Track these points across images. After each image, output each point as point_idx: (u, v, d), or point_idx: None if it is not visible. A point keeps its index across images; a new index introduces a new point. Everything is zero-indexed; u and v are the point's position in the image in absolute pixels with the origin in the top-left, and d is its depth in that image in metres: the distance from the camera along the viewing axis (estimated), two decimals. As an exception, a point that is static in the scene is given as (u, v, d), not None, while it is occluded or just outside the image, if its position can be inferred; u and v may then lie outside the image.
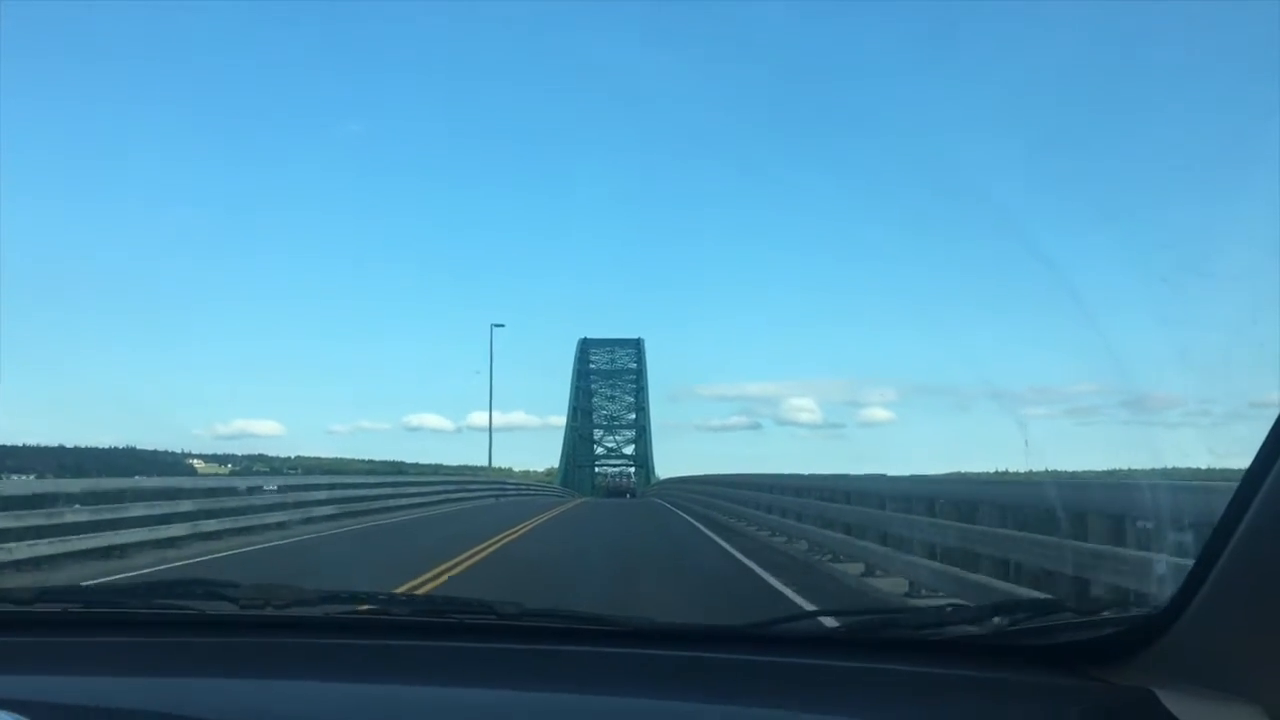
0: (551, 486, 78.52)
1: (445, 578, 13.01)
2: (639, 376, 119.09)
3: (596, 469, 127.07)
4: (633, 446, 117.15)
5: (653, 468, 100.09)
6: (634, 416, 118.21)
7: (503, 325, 47.37)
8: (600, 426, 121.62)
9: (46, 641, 1.98)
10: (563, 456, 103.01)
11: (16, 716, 1.29)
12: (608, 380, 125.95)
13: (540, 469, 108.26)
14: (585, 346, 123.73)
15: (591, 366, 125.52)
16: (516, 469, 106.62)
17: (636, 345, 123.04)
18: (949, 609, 2.03)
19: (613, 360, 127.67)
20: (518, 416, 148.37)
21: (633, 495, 75.12)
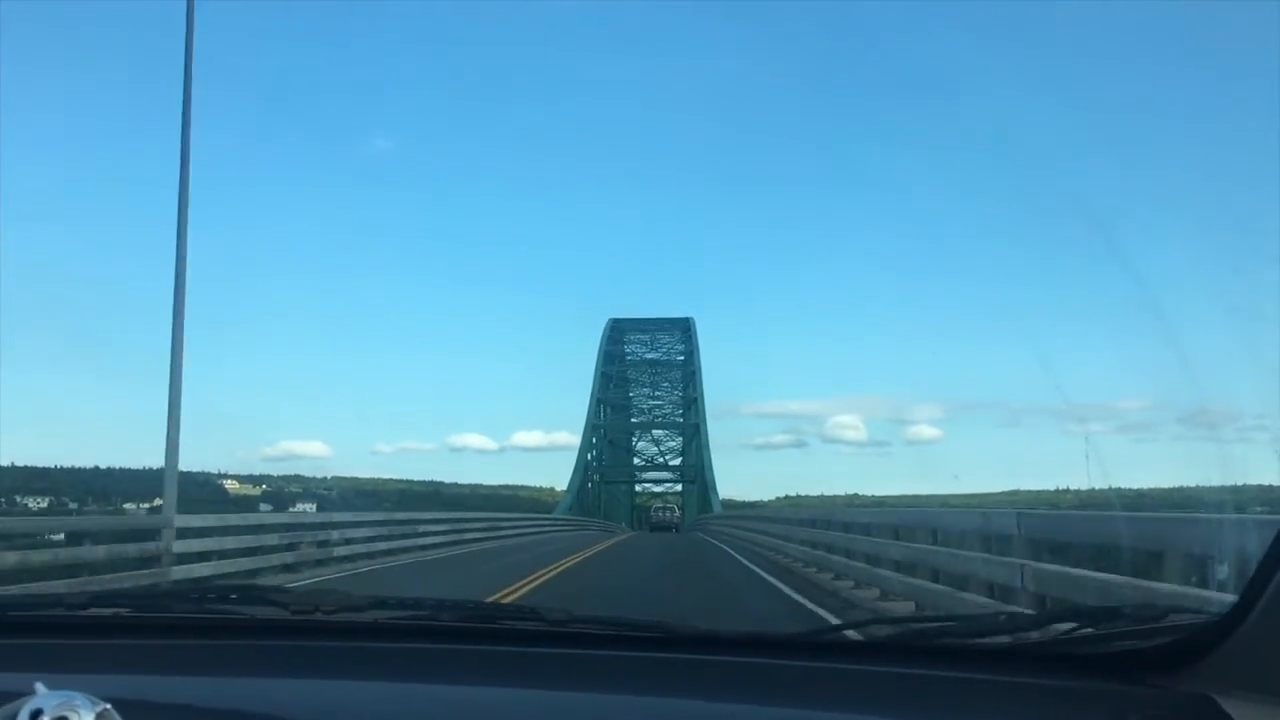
0: (543, 520, 47.21)
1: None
2: (689, 361, 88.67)
3: (637, 487, 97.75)
4: (681, 458, 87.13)
5: (712, 482, 69.02)
6: (682, 416, 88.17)
7: None
8: (638, 429, 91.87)
9: (99, 644, 1.96)
10: (577, 470, 72.40)
11: (101, 703, 1.28)
12: (648, 371, 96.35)
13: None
14: (617, 329, 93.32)
15: (627, 354, 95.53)
16: (559, 489, 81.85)
17: (685, 327, 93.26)
18: (1004, 616, 1.95)
19: (654, 346, 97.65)
20: (561, 436, 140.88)
21: (676, 530, 61.08)
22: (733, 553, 25.11)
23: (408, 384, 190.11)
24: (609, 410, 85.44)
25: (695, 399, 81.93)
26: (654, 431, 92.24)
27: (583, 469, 73.30)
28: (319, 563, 17.68)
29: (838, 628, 2.08)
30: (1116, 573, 6.22)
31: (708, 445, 74.75)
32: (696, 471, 75.31)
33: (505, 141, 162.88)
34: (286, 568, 16.24)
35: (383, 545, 21.37)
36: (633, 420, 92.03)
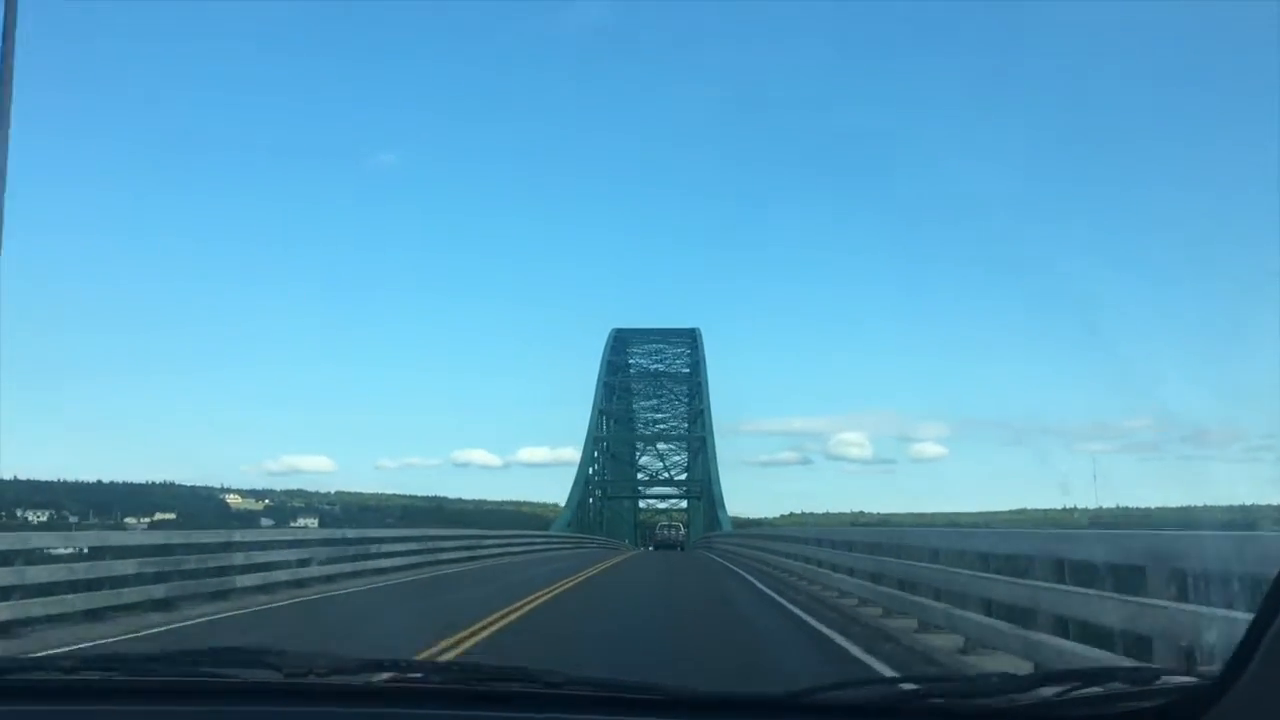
0: (535, 538, 42.82)
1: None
2: (694, 373, 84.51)
3: (641, 503, 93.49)
4: (686, 472, 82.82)
5: (720, 498, 64.67)
6: (688, 429, 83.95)
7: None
8: (642, 442, 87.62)
9: (90, 710, 1.95)
10: (577, 484, 68.09)
11: None
12: (652, 383, 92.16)
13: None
14: (620, 339, 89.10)
15: (631, 365, 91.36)
16: (564, 505, 78.23)
17: (691, 337, 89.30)
18: (995, 678, 1.92)
19: (659, 357, 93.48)
20: (566, 453, 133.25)
21: (681, 549, 58.49)
22: (761, 585, 20.74)
23: (412, 399, 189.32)
24: (611, 422, 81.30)
25: (702, 411, 77.81)
26: (659, 445, 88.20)
27: (583, 483, 69.05)
28: (216, 595, 13.47)
29: (828, 688, 1.97)
30: None
31: (715, 459, 70.52)
32: (703, 487, 71.04)
33: (511, 155, 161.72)
34: (157, 605, 12.00)
35: (318, 570, 17.15)
36: (636, 433, 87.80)
